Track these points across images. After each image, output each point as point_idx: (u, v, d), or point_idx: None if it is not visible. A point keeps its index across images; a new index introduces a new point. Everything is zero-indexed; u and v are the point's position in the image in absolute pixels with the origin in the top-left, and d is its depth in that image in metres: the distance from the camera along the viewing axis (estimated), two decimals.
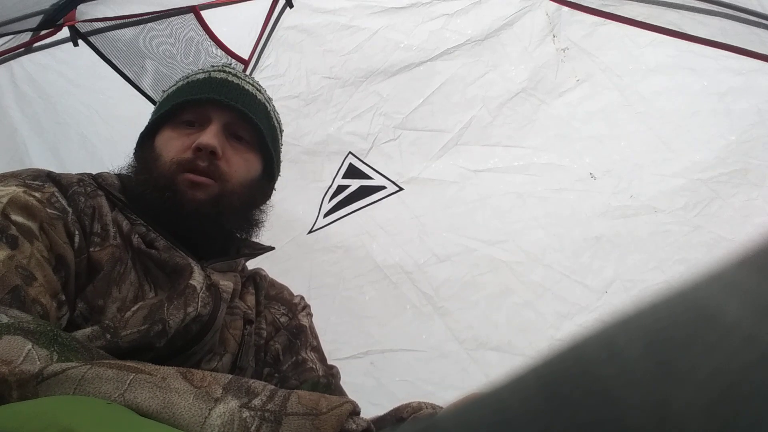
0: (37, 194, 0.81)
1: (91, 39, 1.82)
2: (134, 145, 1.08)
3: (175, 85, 1.09)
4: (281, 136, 1.17)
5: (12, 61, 1.82)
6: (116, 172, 1.03)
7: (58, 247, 0.79)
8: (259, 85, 1.12)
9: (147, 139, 1.04)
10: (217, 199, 0.96)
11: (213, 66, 1.10)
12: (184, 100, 1.01)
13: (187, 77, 1.08)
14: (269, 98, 1.13)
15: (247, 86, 1.06)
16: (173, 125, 1.01)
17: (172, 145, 0.97)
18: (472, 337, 1.80)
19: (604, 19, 1.75)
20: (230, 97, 1.01)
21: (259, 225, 1.11)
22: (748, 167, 1.61)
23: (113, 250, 0.86)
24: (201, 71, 1.08)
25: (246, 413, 0.56)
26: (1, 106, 1.85)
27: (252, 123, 1.03)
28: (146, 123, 1.07)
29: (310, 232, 1.98)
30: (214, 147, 0.94)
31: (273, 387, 0.62)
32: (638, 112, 1.73)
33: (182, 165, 0.95)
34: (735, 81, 1.62)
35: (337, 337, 1.81)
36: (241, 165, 1.01)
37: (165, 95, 1.09)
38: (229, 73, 1.07)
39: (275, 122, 1.13)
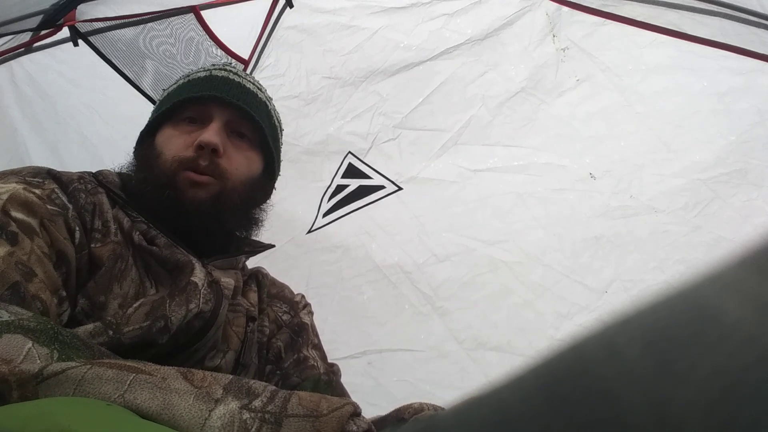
0: (37, 191, 0.81)
1: (91, 39, 1.82)
2: (134, 144, 1.08)
3: (175, 83, 1.09)
4: (281, 135, 1.17)
5: (12, 61, 1.82)
6: (117, 170, 1.03)
7: (58, 243, 0.79)
8: (260, 84, 1.12)
9: (147, 138, 1.04)
10: (217, 197, 0.96)
11: (214, 65, 1.10)
12: (185, 97, 1.01)
13: (188, 76, 1.08)
14: (269, 97, 1.13)
15: (248, 84, 1.06)
16: (174, 123, 1.01)
17: (174, 143, 0.97)
18: (471, 337, 1.80)
19: (604, 19, 1.75)
20: (231, 95, 1.01)
21: (260, 223, 1.11)
22: (748, 167, 1.61)
23: (114, 246, 0.86)
24: (202, 70, 1.08)
25: (246, 415, 0.56)
26: (1, 106, 1.85)
27: (253, 121, 1.03)
28: (146, 122, 1.08)
29: (310, 231, 1.98)
30: (216, 145, 0.94)
31: (274, 388, 0.62)
32: (638, 112, 1.73)
33: (184, 163, 0.95)
34: (735, 81, 1.62)
35: (335, 336, 1.81)
36: (242, 163, 1.01)
37: (165, 94, 1.09)
38: (230, 71, 1.07)
39: (276, 121, 1.13)
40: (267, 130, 1.06)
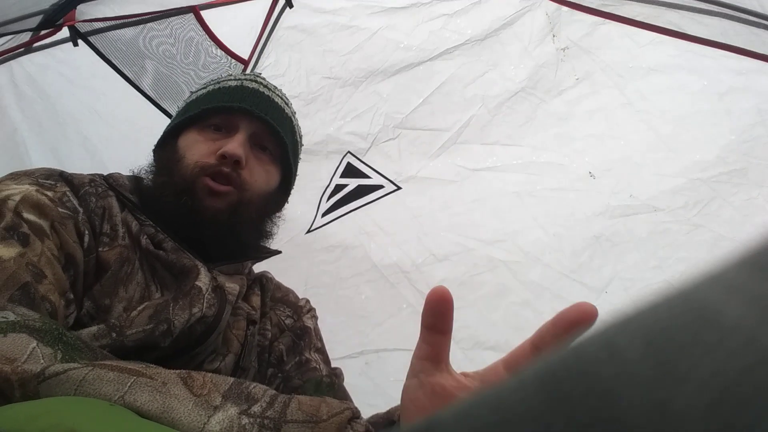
0: (49, 193, 0.82)
1: (91, 39, 1.82)
2: (155, 143, 1.09)
3: (204, 88, 1.09)
4: (301, 150, 1.18)
5: (12, 61, 1.82)
6: (135, 172, 1.04)
7: (68, 246, 0.80)
8: (287, 99, 1.13)
9: (169, 139, 1.05)
10: (234, 208, 0.96)
11: (245, 75, 1.12)
12: (215, 105, 1.01)
13: (218, 82, 1.08)
14: (294, 112, 1.14)
15: (276, 99, 1.07)
16: (199, 128, 1.01)
17: (197, 148, 0.98)
18: (468, 336, 1.80)
19: (603, 19, 1.75)
20: (261, 109, 1.02)
21: (271, 236, 1.13)
22: (748, 167, 1.61)
23: (121, 250, 0.87)
24: (232, 78, 1.09)
25: (245, 420, 0.57)
26: (1, 106, 1.85)
27: (278, 136, 1.04)
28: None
29: (309, 231, 1.98)
30: (240, 157, 0.95)
31: (273, 392, 0.62)
32: (638, 111, 1.73)
33: (205, 169, 0.95)
34: (735, 81, 1.62)
35: (332, 336, 1.80)
36: (262, 176, 1.02)
37: (194, 98, 1.09)
38: (260, 83, 1.08)
39: (298, 137, 1.14)
40: (289, 146, 1.07)
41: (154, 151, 1.08)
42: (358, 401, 0.72)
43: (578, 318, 0.50)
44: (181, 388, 0.58)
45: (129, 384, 0.56)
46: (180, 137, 1.02)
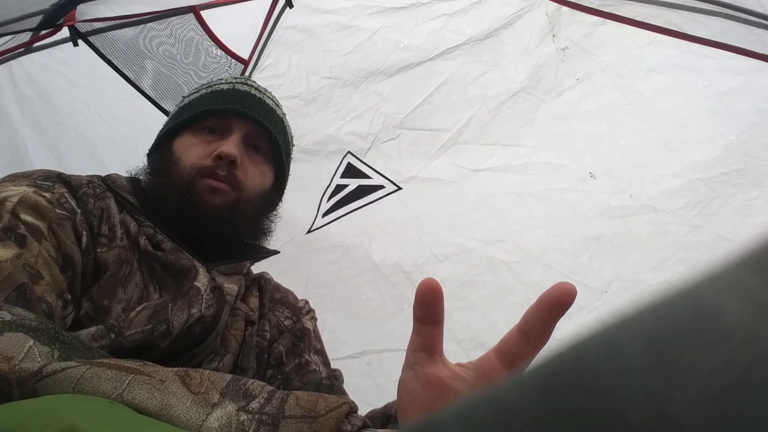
0: (47, 194, 0.83)
1: (91, 39, 1.82)
2: (149, 147, 1.10)
3: (197, 92, 1.11)
4: (292, 150, 1.20)
5: (12, 61, 1.82)
6: (132, 174, 1.05)
7: (65, 247, 0.80)
8: (277, 100, 1.15)
9: (163, 143, 1.06)
10: (232, 206, 0.98)
11: (236, 78, 1.13)
12: (208, 108, 1.03)
13: (210, 86, 1.10)
14: (285, 114, 1.15)
15: (267, 101, 1.09)
16: (194, 131, 1.03)
17: (193, 151, 1.00)
18: (470, 336, 1.80)
19: (603, 19, 1.75)
20: (253, 110, 1.03)
21: (268, 233, 1.14)
22: (748, 167, 1.61)
23: (120, 251, 0.87)
24: (224, 82, 1.10)
25: (243, 416, 0.57)
26: (1, 106, 1.85)
27: (271, 136, 1.05)
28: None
29: (309, 231, 1.98)
30: (235, 157, 0.97)
31: (271, 389, 0.62)
32: (638, 112, 1.73)
33: (202, 171, 0.97)
34: (735, 81, 1.62)
35: (334, 336, 1.81)
36: (256, 175, 1.03)
37: (186, 102, 1.10)
38: (252, 86, 1.10)
39: (289, 137, 1.16)
40: (282, 146, 1.08)
41: (149, 155, 1.09)
42: (359, 401, 0.72)
43: (559, 298, 0.52)
44: (179, 385, 0.58)
45: (127, 382, 0.56)
46: (174, 141, 1.03)
